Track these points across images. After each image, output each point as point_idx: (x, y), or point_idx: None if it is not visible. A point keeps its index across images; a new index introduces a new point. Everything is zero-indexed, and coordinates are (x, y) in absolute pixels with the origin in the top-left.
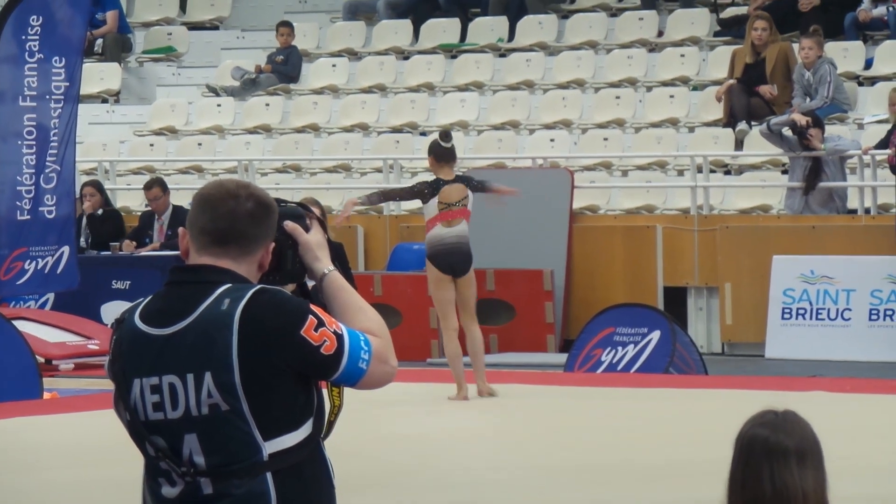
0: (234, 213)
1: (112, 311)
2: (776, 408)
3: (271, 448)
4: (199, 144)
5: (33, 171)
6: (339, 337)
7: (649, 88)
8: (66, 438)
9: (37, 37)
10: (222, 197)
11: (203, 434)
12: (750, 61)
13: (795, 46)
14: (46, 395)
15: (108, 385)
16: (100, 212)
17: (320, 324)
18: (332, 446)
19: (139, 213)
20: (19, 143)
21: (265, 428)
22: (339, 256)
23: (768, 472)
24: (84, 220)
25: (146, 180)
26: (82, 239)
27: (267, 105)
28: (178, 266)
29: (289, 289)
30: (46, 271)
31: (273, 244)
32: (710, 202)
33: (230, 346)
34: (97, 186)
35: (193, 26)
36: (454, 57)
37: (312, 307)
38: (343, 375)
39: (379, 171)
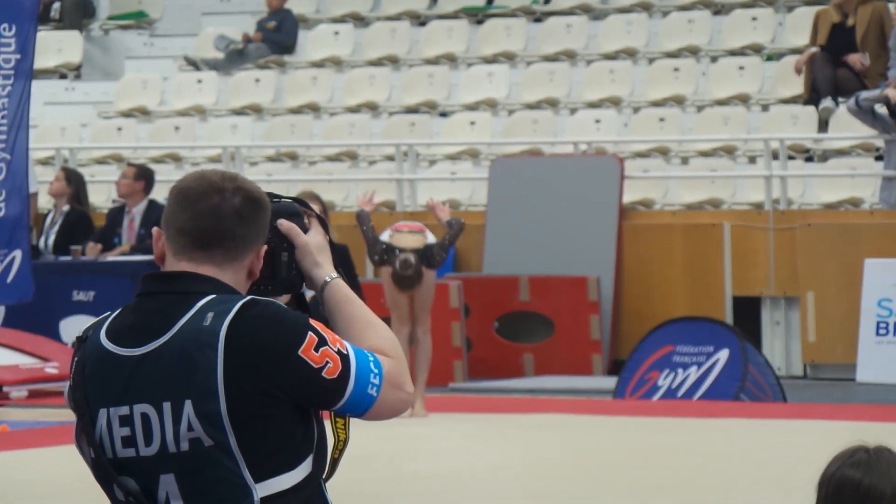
0: (219, 211)
1: (73, 327)
2: (867, 444)
3: (263, 491)
4: (177, 128)
5: None
6: (345, 358)
7: (714, 59)
8: (18, 479)
9: None
10: (204, 191)
11: (182, 474)
12: (837, 24)
13: (892, 6)
14: None
15: (69, 416)
16: (66, 209)
17: (322, 342)
18: (336, 488)
19: (105, 211)
20: None
21: (256, 467)
22: (344, 261)
23: None
24: (49, 218)
25: (116, 173)
26: (42, 240)
27: (257, 81)
28: (152, 274)
29: (283, 300)
30: None
31: (265, 247)
32: (788, 195)
33: (214, 369)
34: (70, 175)
35: None
36: (480, 22)
37: (312, 322)
38: (349, 403)
39: (391, 159)
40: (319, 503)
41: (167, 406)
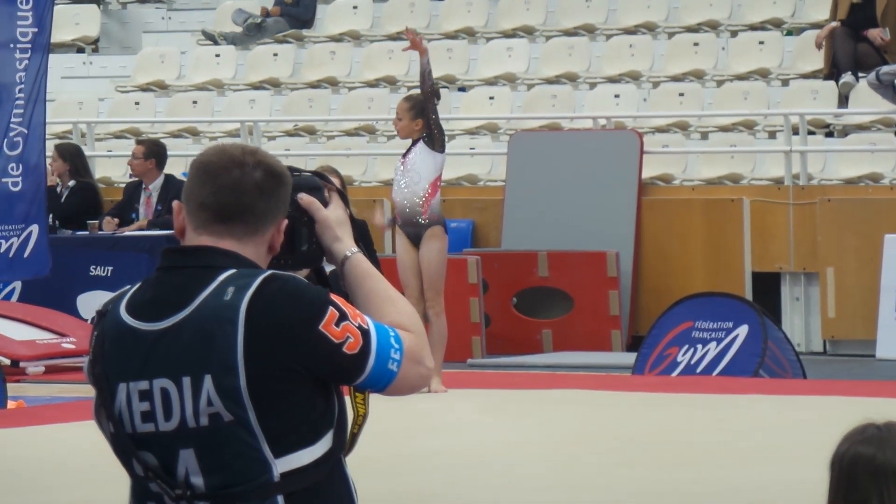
0: (240, 185)
1: (90, 302)
2: (876, 420)
3: (283, 466)
4: (195, 102)
5: None
6: (365, 333)
7: (734, 33)
8: (34, 456)
9: None
10: (225, 165)
11: (202, 449)
12: (857, 0)
13: None
14: (11, 404)
15: (86, 391)
16: (71, 183)
17: (342, 317)
18: (354, 464)
19: (122, 186)
20: None
21: (276, 442)
22: (363, 237)
23: (878, 499)
24: (59, 191)
25: (133, 147)
26: (50, 216)
27: (275, 55)
28: (173, 248)
29: (302, 274)
30: (11, 255)
31: (285, 221)
32: (808, 170)
33: (234, 344)
34: (63, 152)
35: None
36: None
37: (332, 297)
38: (369, 379)
39: None
40: (339, 478)
41: (187, 381)
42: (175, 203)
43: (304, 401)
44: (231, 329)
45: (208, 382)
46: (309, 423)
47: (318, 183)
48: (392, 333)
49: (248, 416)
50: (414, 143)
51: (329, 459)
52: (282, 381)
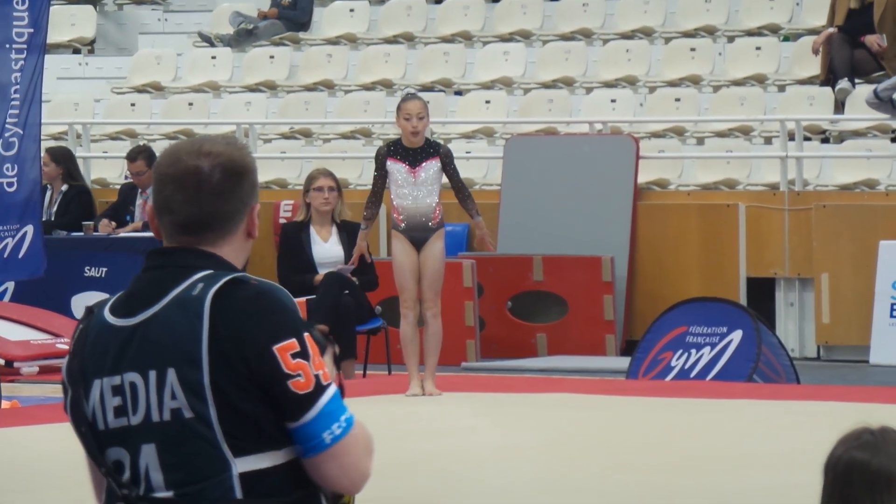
0: (200, 192)
1: (84, 303)
2: (871, 425)
3: (243, 466)
4: (190, 104)
5: None
6: (320, 386)
7: (731, 39)
8: (28, 456)
9: None
10: (182, 175)
11: (162, 444)
12: (855, 6)
13: None
14: (5, 404)
15: None
16: (64, 188)
17: (303, 355)
18: None
19: (117, 187)
20: None
21: (236, 441)
22: (356, 238)
23: None
24: (48, 197)
25: (129, 148)
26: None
27: (271, 57)
28: (155, 249)
29: None
30: (6, 256)
31: (258, 206)
32: (803, 176)
33: (199, 338)
34: (56, 155)
35: None
36: (496, 0)
37: (306, 336)
38: (302, 431)
39: None
40: (312, 485)
41: (153, 374)
42: (149, 207)
43: (267, 403)
44: (196, 322)
45: (172, 376)
46: (273, 426)
47: (324, 343)
48: (347, 415)
49: (209, 412)
50: (421, 151)
51: (295, 469)
52: (244, 378)
